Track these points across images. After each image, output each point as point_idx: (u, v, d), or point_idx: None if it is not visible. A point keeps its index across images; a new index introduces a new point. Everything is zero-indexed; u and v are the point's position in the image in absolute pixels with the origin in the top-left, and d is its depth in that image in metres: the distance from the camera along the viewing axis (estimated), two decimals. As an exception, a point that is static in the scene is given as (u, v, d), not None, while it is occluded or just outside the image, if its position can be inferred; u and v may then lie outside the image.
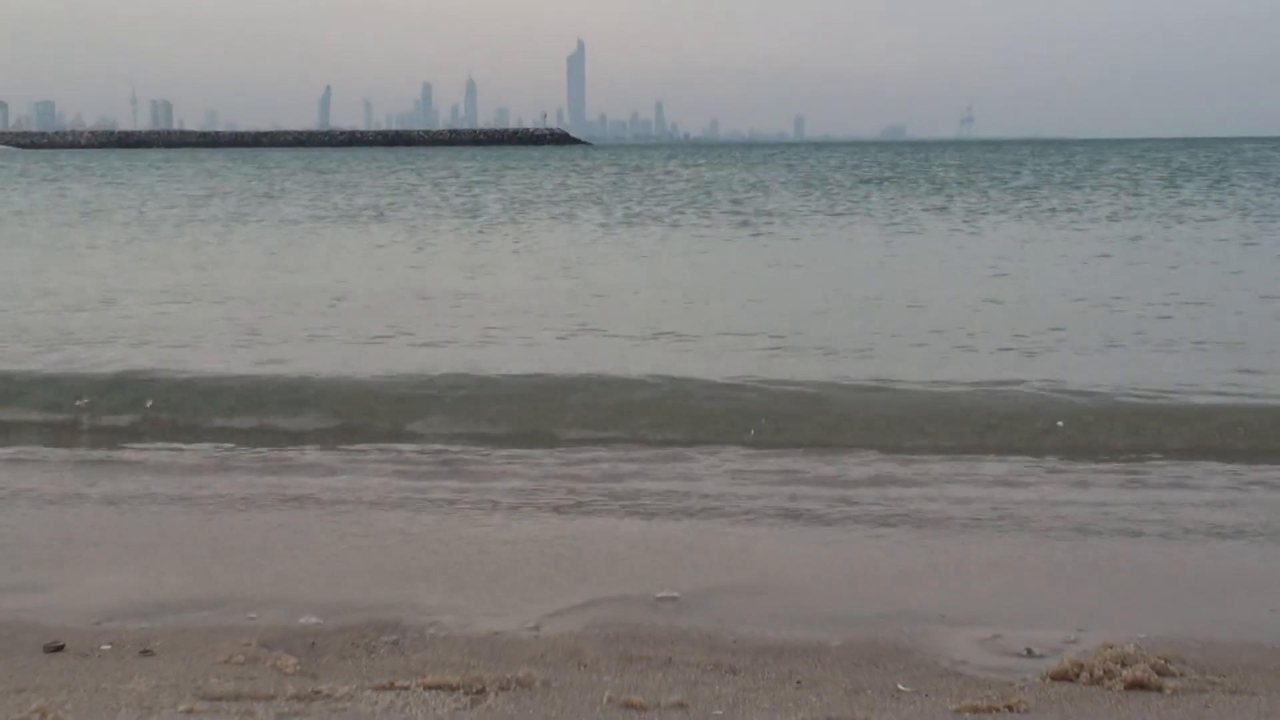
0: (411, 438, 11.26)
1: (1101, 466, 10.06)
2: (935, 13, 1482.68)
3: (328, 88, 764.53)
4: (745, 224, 34.97)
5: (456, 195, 52.60)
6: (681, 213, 40.39)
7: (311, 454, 10.71)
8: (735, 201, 46.02)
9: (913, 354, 14.29)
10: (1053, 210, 40.46)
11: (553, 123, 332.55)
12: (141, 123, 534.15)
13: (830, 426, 11.09)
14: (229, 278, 22.78)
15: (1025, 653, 6.03)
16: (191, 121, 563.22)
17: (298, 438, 11.33)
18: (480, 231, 33.62)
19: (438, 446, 10.88)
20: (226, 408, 12.11)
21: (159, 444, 11.22)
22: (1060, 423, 10.98)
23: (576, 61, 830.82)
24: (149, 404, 12.14)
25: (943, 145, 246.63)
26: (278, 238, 31.68)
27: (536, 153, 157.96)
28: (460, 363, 13.51)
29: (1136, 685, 5.48)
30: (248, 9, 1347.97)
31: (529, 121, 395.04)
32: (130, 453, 10.91)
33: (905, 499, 9.12)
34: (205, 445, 11.13)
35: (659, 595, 6.90)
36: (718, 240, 30.46)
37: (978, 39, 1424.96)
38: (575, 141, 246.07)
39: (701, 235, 31.99)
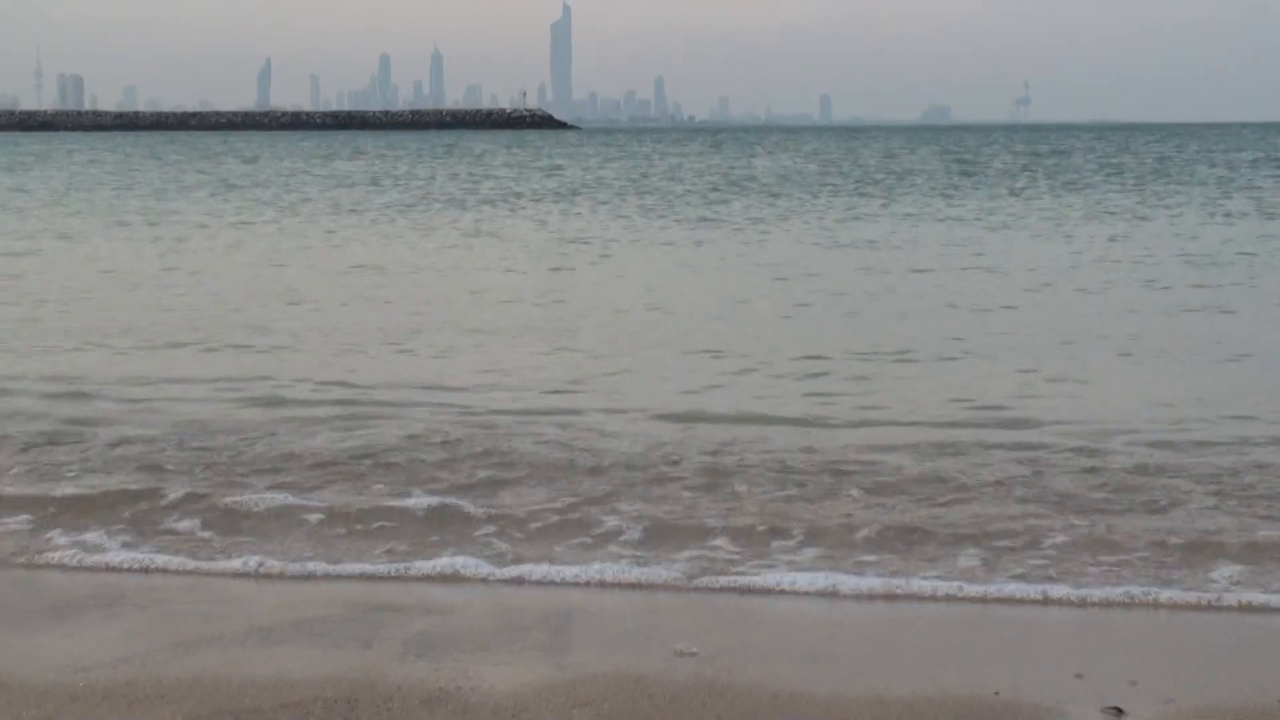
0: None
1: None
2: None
3: (267, 60, 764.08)
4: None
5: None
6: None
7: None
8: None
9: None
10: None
11: (533, 102, 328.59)
12: (47, 101, 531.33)
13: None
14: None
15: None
16: (106, 100, 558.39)
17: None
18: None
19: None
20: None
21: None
22: None
23: (561, 29, 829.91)
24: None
25: (1012, 130, 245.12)
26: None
27: (506, 138, 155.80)
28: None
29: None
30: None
31: (505, 100, 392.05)
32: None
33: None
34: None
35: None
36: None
37: (1031, 11, 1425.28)
38: (560, 124, 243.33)
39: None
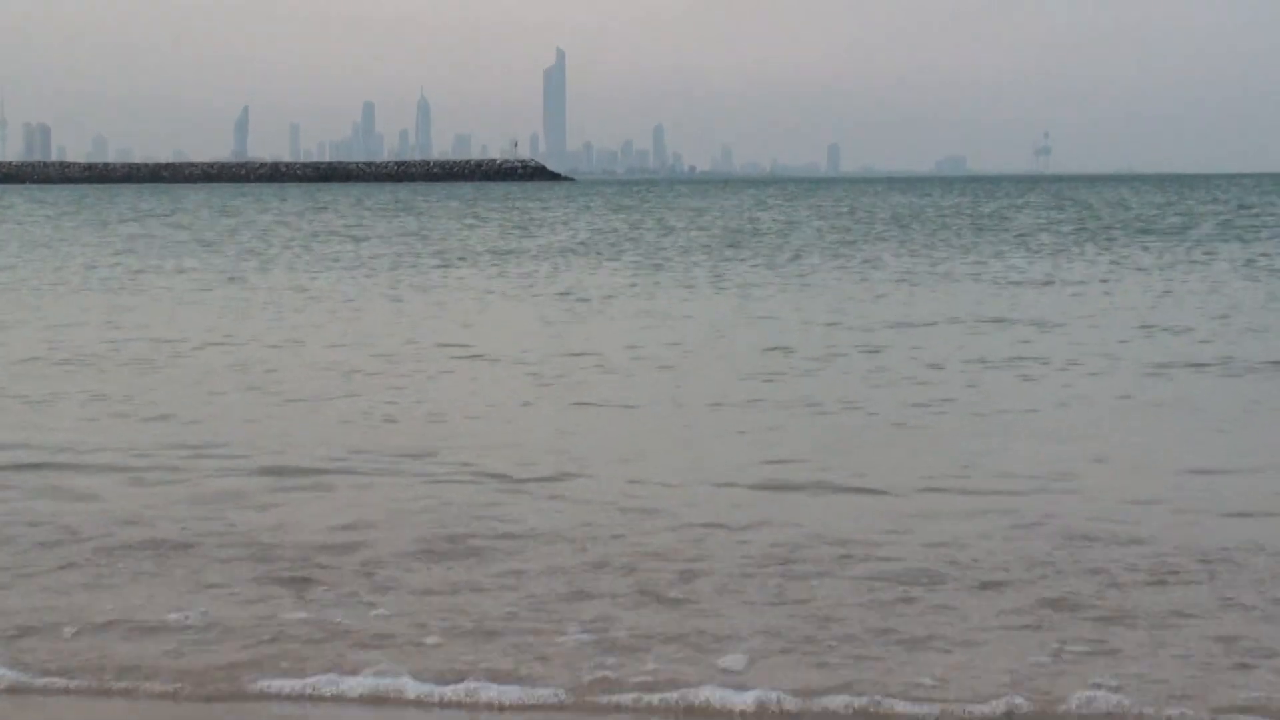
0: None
1: None
2: (1001, 25, 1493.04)
3: (245, 108, 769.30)
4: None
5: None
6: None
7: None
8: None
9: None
10: None
11: (525, 152, 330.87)
12: (12, 151, 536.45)
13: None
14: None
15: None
16: (75, 150, 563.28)
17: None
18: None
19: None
20: None
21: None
22: None
23: (555, 76, 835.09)
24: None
25: (1036, 180, 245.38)
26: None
27: (499, 189, 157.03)
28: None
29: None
30: (145, 9, 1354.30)
31: (495, 150, 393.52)
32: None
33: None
34: None
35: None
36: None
37: (1053, 56, 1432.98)
38: (554, 176, 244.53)
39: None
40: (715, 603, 8.96)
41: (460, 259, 44.05)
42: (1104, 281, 33.72)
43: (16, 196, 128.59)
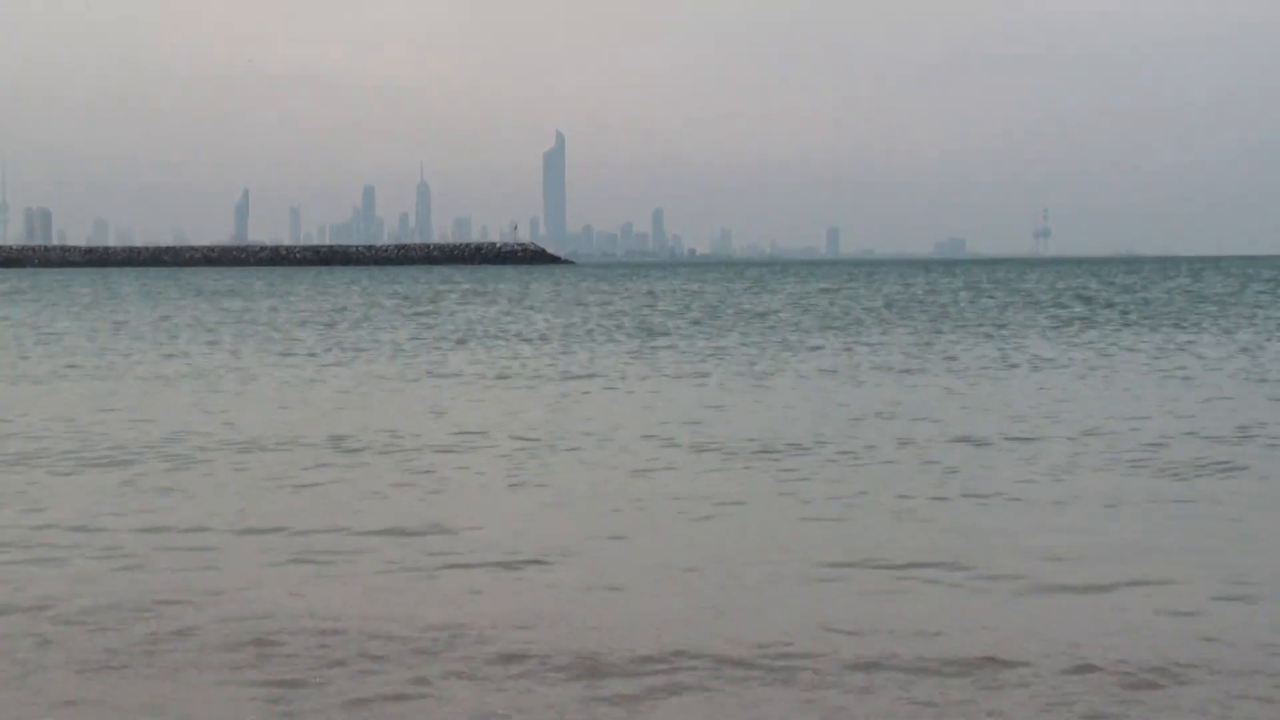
0: None
1: None
2: (1000, 109, 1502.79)
3: (245, 192, 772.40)
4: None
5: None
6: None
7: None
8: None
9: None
10: None
11: (525, 235, 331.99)
12: (13, 236, 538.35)
13: None
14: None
15: None
16: (75, 233, 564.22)
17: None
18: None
19: None
20: None
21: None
22: None
23: (554, 159, 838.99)
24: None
25: (1033, 263, 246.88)
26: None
27: (509, 271, 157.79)
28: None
29: None
30: (144, 92, 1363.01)
31: (495, 233, 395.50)
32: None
33: None
34: None
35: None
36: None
37: (1052, 139, 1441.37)
38: (553, 259, 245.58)
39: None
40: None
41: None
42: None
43: (44, 278, 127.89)
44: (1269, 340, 43.81)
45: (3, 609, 11.49)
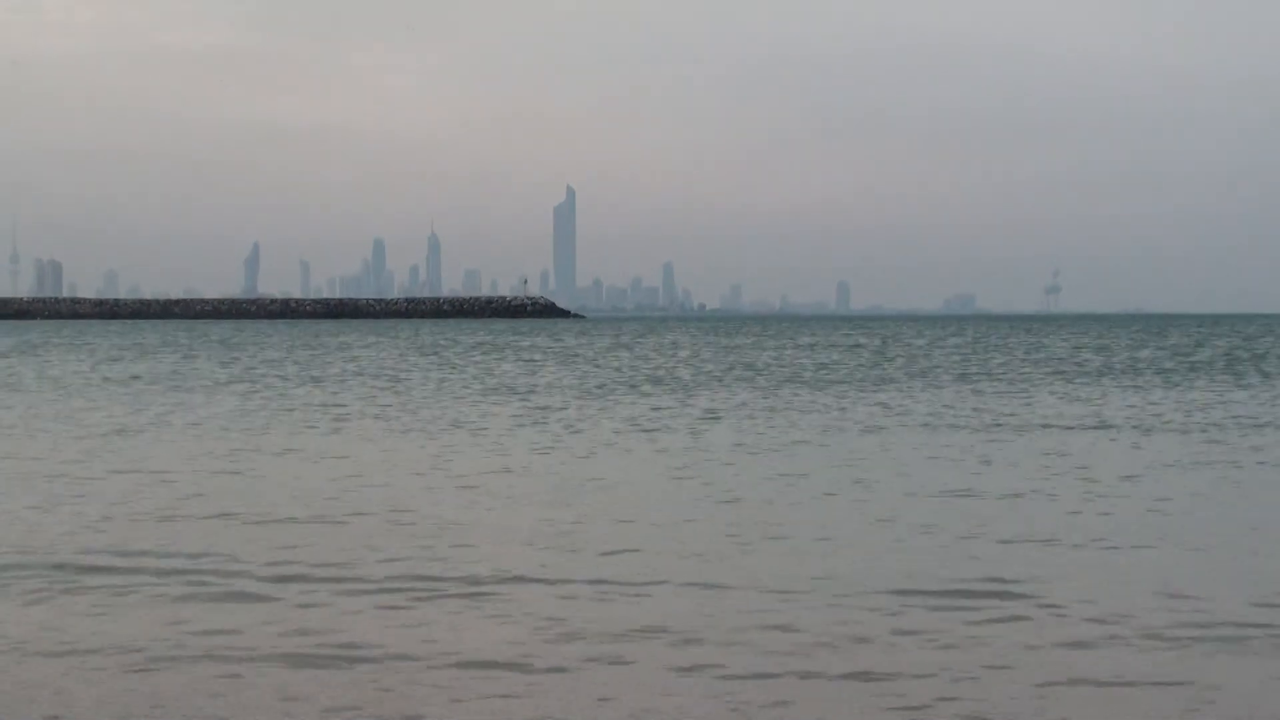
0: None
1: None
2: (1010, 164, 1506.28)
3: (255, 245, 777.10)
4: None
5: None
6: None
7: None
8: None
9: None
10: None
11: (535, 289, 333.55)
12: (24, 288, 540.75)
13: None
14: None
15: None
16: (86, 285, 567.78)
17: None
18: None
19: None
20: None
21: None
22: None
23: (565, 212, 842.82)
24: None
25: (1046, 320, 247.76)
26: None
27: (524, 326, 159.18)
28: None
29: None
30: (157, 146, 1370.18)
31: (505, 286, 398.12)
32: None
33: None
34: None
35: None
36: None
37: (1062, 195, 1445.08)
38: (563, 313, 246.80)
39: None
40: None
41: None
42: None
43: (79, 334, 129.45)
44: None
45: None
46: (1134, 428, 33.32)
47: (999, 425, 33.87)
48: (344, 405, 41.17)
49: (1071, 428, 33.29)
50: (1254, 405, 40.71)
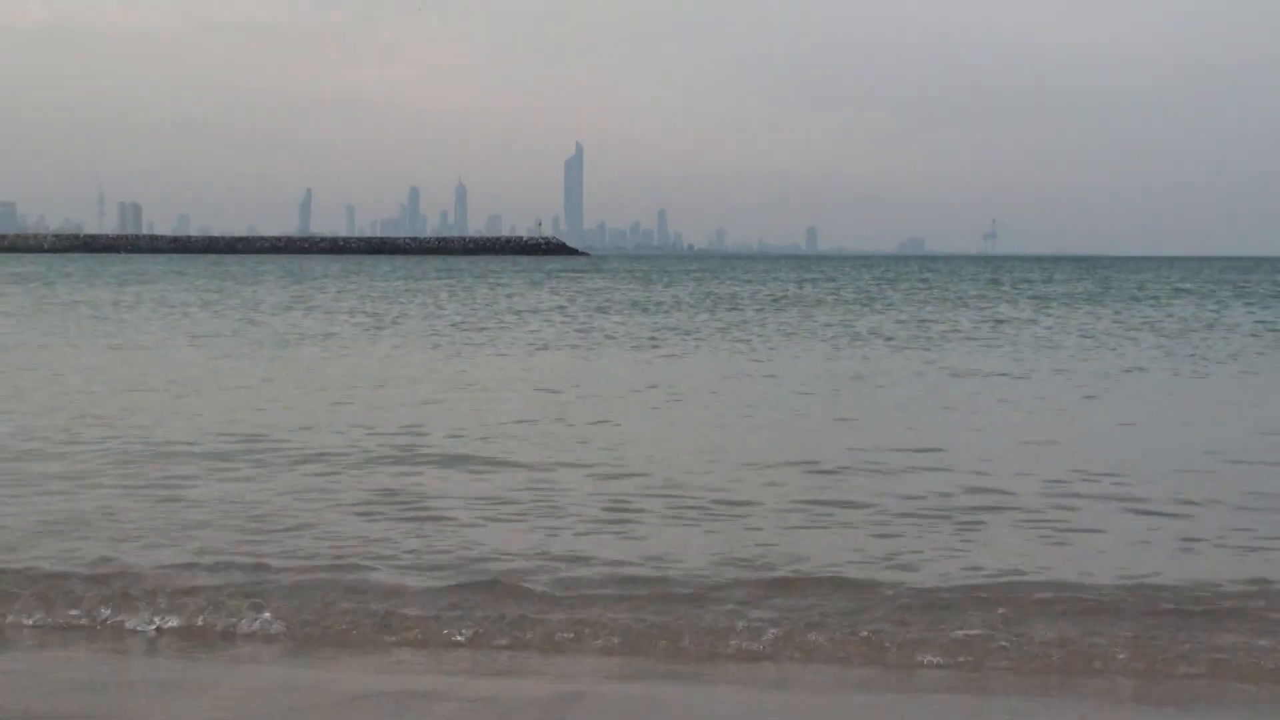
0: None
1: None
2: (956, 127, 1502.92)
3: (308, 191, 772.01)
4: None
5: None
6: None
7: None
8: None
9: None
10: None
11: (548, 230, 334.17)
12: (109, 226, 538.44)
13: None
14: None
15: None
16: (162, 225, 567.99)
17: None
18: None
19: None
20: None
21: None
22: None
23: (574, 165, 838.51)
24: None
25: (987, 260, 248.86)
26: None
27: (526, 262, 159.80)
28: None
29: None
30: (224, 106, 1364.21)
31: (522, 229, 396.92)
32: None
33: None
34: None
35: None
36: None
37: (1001, 150, 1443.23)
38: (572, 251, 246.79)
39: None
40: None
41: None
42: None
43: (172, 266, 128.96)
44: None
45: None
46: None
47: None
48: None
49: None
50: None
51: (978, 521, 12.27)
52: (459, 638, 9.17)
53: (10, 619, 9.61)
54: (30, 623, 9.56)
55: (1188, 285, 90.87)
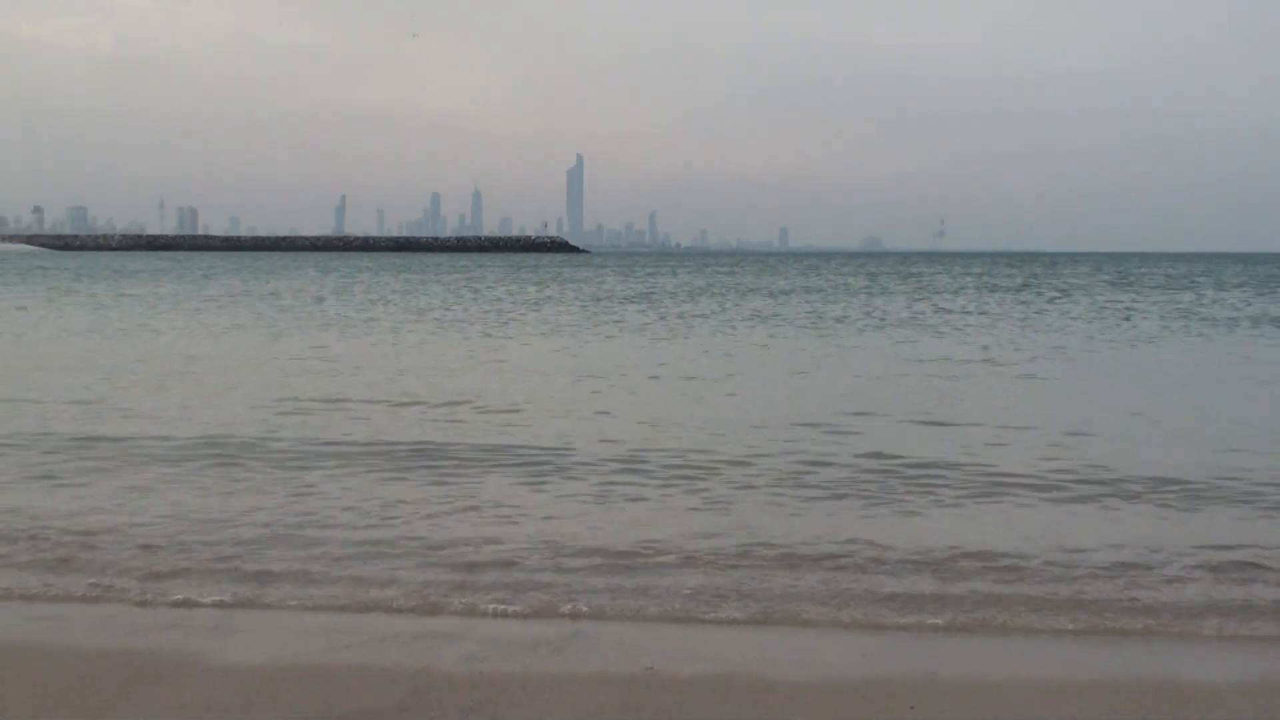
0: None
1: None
2: (912, 131, 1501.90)
3: (343, 196, 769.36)
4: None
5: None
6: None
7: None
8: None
9: None
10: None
11: (553, 231, 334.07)
12: (168, 227, 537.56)
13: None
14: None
15: None
16: (215, 226, 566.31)
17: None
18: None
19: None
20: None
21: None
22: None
23: (575, 174, 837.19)
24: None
25: (938, 255, 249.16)
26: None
27: (534, 259, 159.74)
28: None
29: None
30: (269, 121, 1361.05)
31: (530, 230, 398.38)
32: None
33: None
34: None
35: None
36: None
37: (951, 158, 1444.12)
38: (574, 249, 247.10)
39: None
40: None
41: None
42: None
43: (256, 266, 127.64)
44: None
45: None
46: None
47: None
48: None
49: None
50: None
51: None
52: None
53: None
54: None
55: (1076, 280, 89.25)
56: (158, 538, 10.14)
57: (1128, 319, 40.48)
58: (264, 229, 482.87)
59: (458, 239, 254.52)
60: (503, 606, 8.39)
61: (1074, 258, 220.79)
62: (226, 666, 7.21)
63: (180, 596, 8.63)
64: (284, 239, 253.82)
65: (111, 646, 7.59)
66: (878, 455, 13.62)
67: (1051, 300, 54.73)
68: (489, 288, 66.14)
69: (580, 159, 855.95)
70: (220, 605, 8.44)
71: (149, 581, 8.96)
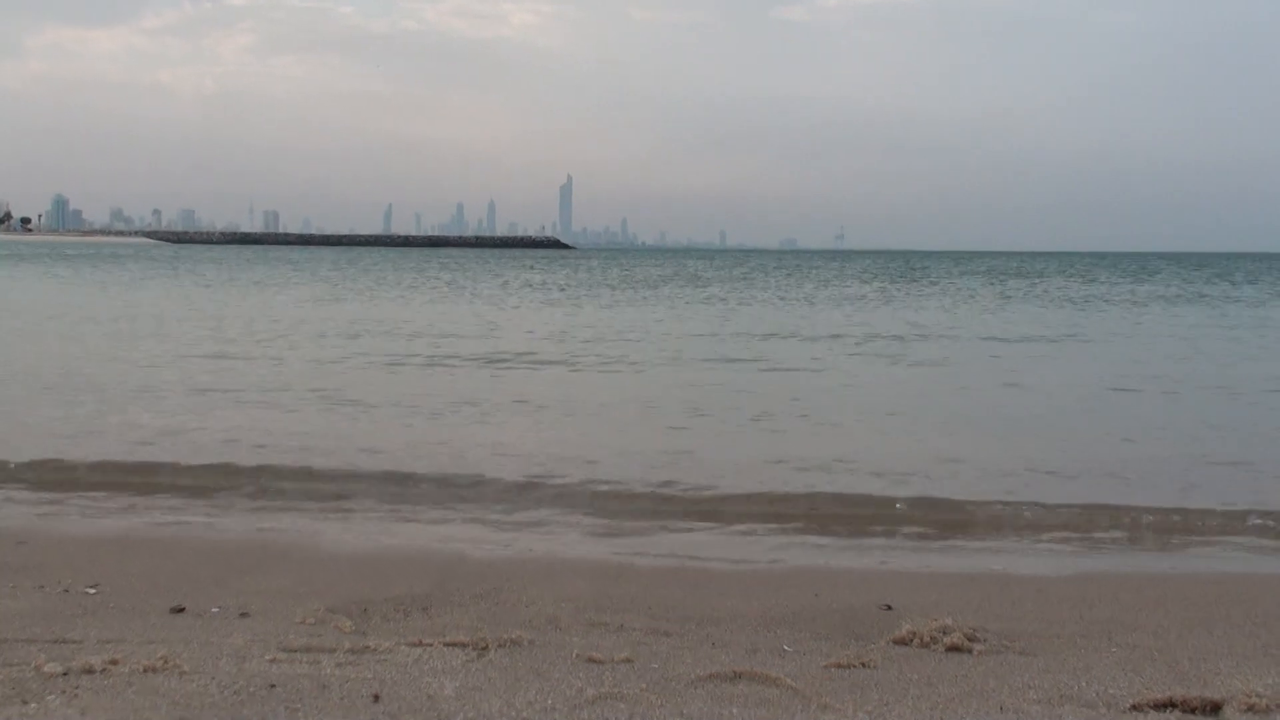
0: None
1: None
2: (823, 157, 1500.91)
3: (389, 204, 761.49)
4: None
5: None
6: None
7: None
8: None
9: None
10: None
11: (549, 233, 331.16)
12: (256, 226, 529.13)
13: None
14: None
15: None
16: (292, 226, 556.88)
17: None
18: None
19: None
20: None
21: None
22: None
23: (566, 190, 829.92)
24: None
25: (846, 254, 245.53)
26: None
27: (535, 253, 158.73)
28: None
29: (954, 649, 5.21)
30: (335, 146, 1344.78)
31: (532, 231, 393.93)
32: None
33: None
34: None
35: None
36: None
37: (852, 177, 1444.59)
38: (565, 246, 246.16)
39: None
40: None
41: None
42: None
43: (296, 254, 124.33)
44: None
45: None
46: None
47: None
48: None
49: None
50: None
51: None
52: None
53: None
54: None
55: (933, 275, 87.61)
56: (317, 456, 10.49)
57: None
58: (330, 228, 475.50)
59: (476, 238, 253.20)
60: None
61: (941, 256, 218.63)
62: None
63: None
64: (345, 236, 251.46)
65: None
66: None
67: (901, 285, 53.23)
68: (518, 274, 65.25)
69: (570, 178, 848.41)
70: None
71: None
